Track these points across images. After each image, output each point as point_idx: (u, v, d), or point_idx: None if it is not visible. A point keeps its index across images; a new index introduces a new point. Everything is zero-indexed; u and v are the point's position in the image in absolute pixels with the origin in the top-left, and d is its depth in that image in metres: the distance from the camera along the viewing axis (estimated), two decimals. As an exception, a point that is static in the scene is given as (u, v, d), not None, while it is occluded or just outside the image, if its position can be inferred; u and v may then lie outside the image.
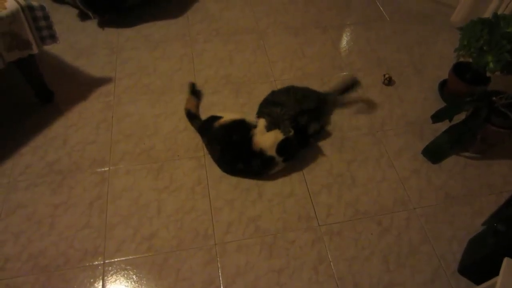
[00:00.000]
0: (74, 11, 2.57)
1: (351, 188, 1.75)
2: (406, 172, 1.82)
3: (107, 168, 1.80)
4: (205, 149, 1.87)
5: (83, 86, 2.13)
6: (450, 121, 1.84)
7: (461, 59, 1.91)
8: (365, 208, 1.69)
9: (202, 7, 2.65)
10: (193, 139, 1.91)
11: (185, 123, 1.96)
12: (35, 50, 1.79)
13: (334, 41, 2.43)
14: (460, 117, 1.86)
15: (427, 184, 1.78)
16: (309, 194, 1.73)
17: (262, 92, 2.08)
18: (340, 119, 2.01)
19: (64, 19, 2.52)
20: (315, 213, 1.67)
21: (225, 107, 2.05)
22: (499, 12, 2.19)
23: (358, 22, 2.57)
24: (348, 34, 2.49)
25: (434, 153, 1.86)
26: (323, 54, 2.34)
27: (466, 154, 1.89)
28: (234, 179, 1.77)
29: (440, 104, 2.08)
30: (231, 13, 2.61)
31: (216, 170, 1.80)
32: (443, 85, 2.15)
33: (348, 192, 1.74)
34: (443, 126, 1.89)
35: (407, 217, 1.66)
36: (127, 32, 2.45)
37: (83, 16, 2.52)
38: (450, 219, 1.66)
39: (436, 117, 1.84)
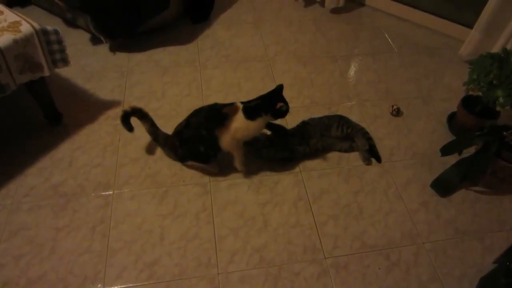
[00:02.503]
0: (87, 35, 2.62)
1: (358, 219, 1.72)
2: (414, 205, 1.78)
3: (112, 192, 1.78)
4: (210, 175, 1.85)
5: (92, 108, 2.14)
6: (459, 154, 1.82)
7: (470, 93, 1.90)
8: (372, 241, 1.65)
9: (212, 34, 2.69)
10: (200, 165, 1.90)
11: (191, 148, 1.96)
12: (46, 72, 1.81)
13: (343, 71, 2.44)
14: (469, 150, 1.84)
15: (436, 218, 1.74)
16: (315, 224, 1.70)
17: (269, 119, 2.08)
18: (348, 149, 2.00)
19: (77, 43, 2.57)
20: (321, 244, 1.63)
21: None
22: (508, 47, 2.20)
23: (367, 53, 2.59)
24: (356, 64, 2.51)
25: (443, 186, 1.83)
26: (332, 83, 2.35)
27: (476, 188, 1.85)
28: (239, 207, 1.74)
29: (449, 137, 2.07)
30: (241, 41, 2.64)
31: (221, 197, 1.78)
32: (451, 117, 2.14)
33: (355, 223, 1.71)
34: (452, 158, 1.86)
35: (416, 252, 1.62)
36: (138, 57, 2.49)
37: (95, 40, 2.57)
38: (460, 255, 1.62)
39: (446, 150, 1.82)
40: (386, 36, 2.73)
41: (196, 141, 1.73)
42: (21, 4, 2.82)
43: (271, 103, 1.67)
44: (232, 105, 1.72)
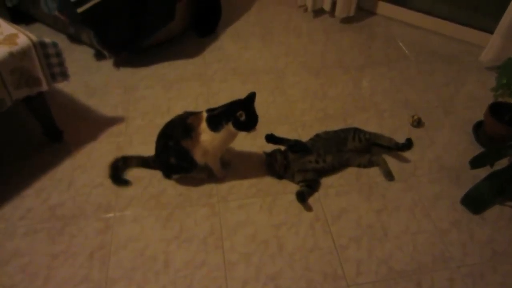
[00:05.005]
0: (91, 51, 2.54)
1: (382, 241, 1.56)
2: (444, 224, 1.62)
3: (112, 214, 1.65)
4: (219, 195, 1.72)
5: (94, 125, 2.04)
6: (491, 167, 1.66)
7: (500, 99, 1.76)
8: (400, 265, 1.48)
9: (220, 46, 2.60)
10: (207, 184, 1.76)
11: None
12: (44, 87, 1.71)
13: (357, 82, 2.31)
14: (502, 162, 1.68)
15: (469, 238, 1.57)
16: (336, 248, 1.54)
17: (281, 133, 1.95)
18: (367, 163, 1.85)
19: (81, 59, 2.49)
20: (343, 270, 1.47)
21: (242, 148, 1.91)
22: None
23: (381, 62, 2.46)
24: (371, 74, 2.37)
25: (475, 202, 1.66)
26: (346, 95, 2.22)
27: (512, 204, 1.69)
28: (251, 230, 1.59)
29: (476, 148, 1.91)
30: (249, 53, 2.54)
31: (231, 219, 1.63)
32: (477, 127, 1.98)
33: (379, 246, 1.54)
34: (482, 172, 1.70)
35: (450, 277, 1.44)
36: (143, 72, 2.39)
37: (99, 56, 2.48)
38: (500, 281, 1.44)
39: (476, 163, 1.66)
40: (401, 44, 2.60)
41: (166, 153, 1.64)
42: (25, 21, 2.77)
43: (233, 111, 1.50)
44: (198, 114, 1.60)
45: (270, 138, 1.80)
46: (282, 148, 1.81)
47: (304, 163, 1.74)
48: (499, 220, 1.62)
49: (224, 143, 1.62)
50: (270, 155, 1.79)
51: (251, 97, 1.55)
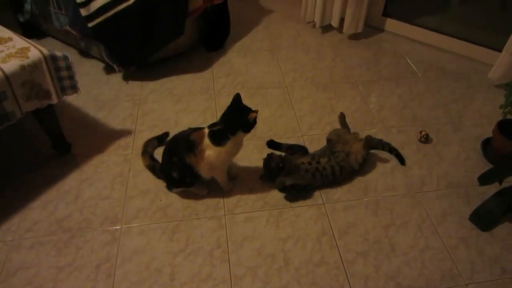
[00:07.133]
0: (101, 65, 2.57)
1: (390, 257, 1.54)
2: (452, 240, 1.59)
3: (119, 227, 1.65)
4: (226, 208, 1.71)
5: (102, 138, 2.05)
6: (500, 183, 1.64)
7: (508, 116, 1.75)
8: (408, 282, 1.46)
9: (228, 61, 2.62)
10: (214, 197, 1.76)
11: (205, 179, 1.83)
12: (54, 100, 1.73)
13: (364, 97, 2.32)
14: (510, 179, 1.67)
15: (478, 255, 1.54)
16: (342, 263, 1.52)
17: (288, 147, 1.95)
18: (375, 178, 1.84)
19: (90, 72, 2.52)
20: (350, 286, 1.45)
21: (250, 161, 1.92)
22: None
23: (389, 78, 2.47)
24: (378, 89, 2.38)
25: (484, 219, 1.64)
26: (353, 110, 2.23)
27: (522, 221, 1.66)
28: (257, 243, 1.58)
29: (484, 164, 1.90)
30: (257, 68, 2.56)
31: (237, 232, 1.62)
32: (486, 143, 1.97)
33: (387, 261, 1.52)
34: (491, 188, 1.69)
35: (459, 295, 1.42)
36: (151, 85, 2.42)
37: (109, 69, 2.52)
38: (511, 300, 1.41)
39: (484, 179, 1.65)
40: (408, 61, 2.61)
41: (170, 168, 1.66)
42: (37, 36, 2.83)
43: (236, 122, 1.53)
44: (200, 130, 1.61)
45: (271, 144, 1.88)
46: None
47: (297, 165, 1.74)
48: (508, 237, 1.60)
49: (231, 154, 1.63)
50: (270, 155, 1.80)
51: (239, 98, 1.56)
